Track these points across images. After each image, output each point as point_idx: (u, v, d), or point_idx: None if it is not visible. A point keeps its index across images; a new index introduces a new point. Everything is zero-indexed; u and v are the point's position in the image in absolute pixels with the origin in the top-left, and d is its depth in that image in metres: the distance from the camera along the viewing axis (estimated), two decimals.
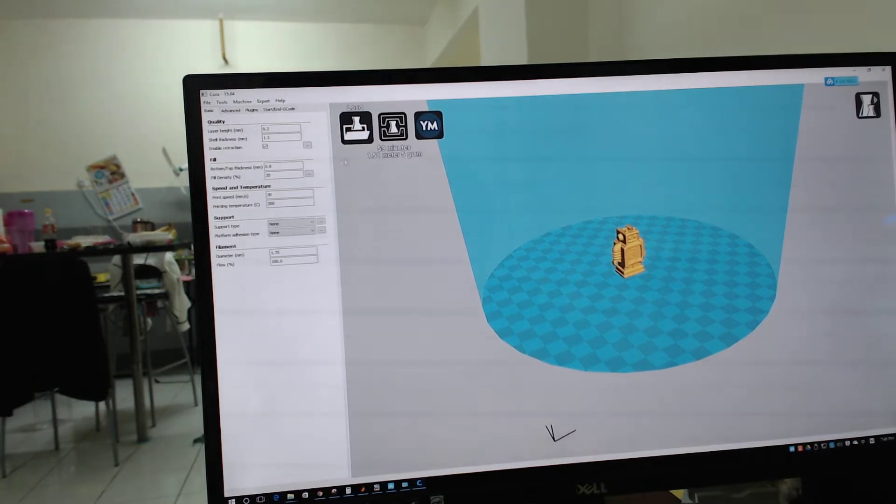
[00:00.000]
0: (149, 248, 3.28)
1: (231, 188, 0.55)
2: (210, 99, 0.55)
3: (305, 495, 0.55)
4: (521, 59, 2.78)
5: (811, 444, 0.61)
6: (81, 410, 3.81)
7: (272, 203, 0.55)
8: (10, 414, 2.92)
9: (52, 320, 2.88)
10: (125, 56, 5.02)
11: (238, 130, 0.55)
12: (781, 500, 0.75)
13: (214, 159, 0.55)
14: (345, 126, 0.56)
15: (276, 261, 0.55)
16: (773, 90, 0.61)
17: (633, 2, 2.38)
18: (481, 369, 0.57)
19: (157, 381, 4.06)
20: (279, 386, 0.55)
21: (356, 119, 0.56)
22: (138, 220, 4.62)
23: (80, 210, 4.92)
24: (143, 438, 3.34)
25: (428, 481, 0.56)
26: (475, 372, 0.57)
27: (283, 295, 0.55)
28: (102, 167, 4.96)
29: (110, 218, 4.95)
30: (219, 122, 0.55)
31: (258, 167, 0.55)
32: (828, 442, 0.61)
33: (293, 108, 0.55)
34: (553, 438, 0.58)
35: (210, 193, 0.54)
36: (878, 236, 0.62)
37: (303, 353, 0.55)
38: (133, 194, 5.00)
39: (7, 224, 3.18)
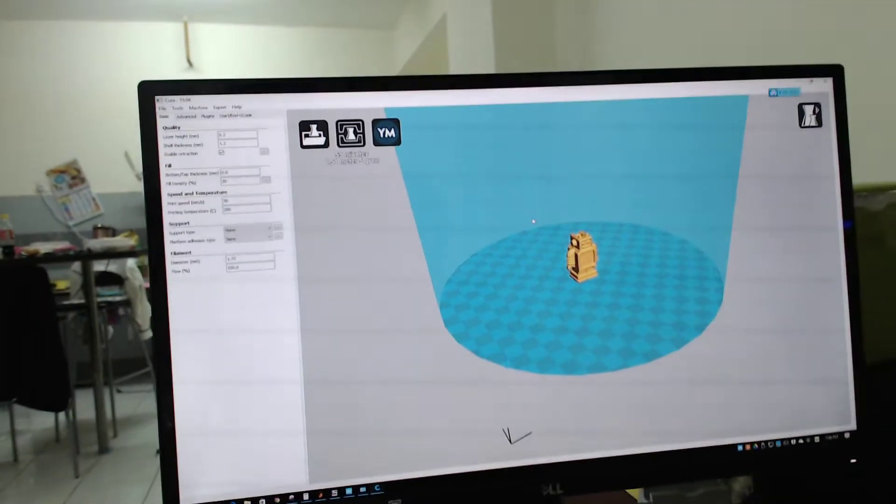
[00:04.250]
0: (109, 254, 3.22)
1: (186, 194, 0.54)
2: (166, 105, 0.54)
3: (262, 502, 0.55)
4: (489, 65, 2.81)
5: (758, 443, 0.62)
6: (40, 421, 3.71)
7: (228, 209, 0.55)
8: None
9: (10, 329, 2.81)
10: (86, 59, 4.93)
11: (194, 136, 0.55)
12: (734, 498, 0.77)
13: (170, 165, 0.54)
14: (303, 133, 0.56)
15: (232, 267, 0.55)
16: (719, 101, 0.63)
17: (598, 11, 2.42)
18: (438, 373, 0.58)
19: (118, 391, 3.98)
20: (235, 392, 0.55)
21: (313, 126, 0.57)
22: (99, 225, 4.52)
23: (39, 216, 4.80)
24: (104, 449, 3.27)
25: (386, 486, 0.57)
26: (432, 375, 0.58)
27: (240, 301, 0.55)
28: (62, 172, 4.86)
29: (70, 224, 4.84)
30: (174, 127, 0.54)
31: (214, 173, 0.55)
32: (774, 441, 0.63)
33: (250, 115, 0.56)
34: (510, 441, 0.59)
35: (165, 199, 0.54)
36: (820, 240, 0.64)
37: (259, 360, 0.55)
38: (94, 199, 4.90)
39: None
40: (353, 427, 0.57)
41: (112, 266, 3.82)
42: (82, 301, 3.36)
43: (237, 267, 0.55)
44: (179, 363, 0.54)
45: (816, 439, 0.64)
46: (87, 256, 3.23)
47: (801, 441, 0.63)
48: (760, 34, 1.56)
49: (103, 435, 3.29)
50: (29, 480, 2.98)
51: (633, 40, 2.20)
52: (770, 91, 0.64)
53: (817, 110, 0.65)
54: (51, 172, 4.80)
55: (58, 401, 2.95)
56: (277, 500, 0.55)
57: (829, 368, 0.64)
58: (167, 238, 0.54)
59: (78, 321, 3.66)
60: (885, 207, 0.74)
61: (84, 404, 3.57)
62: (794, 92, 0.65)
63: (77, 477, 2.94)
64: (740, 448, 0.62)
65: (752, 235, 0.63)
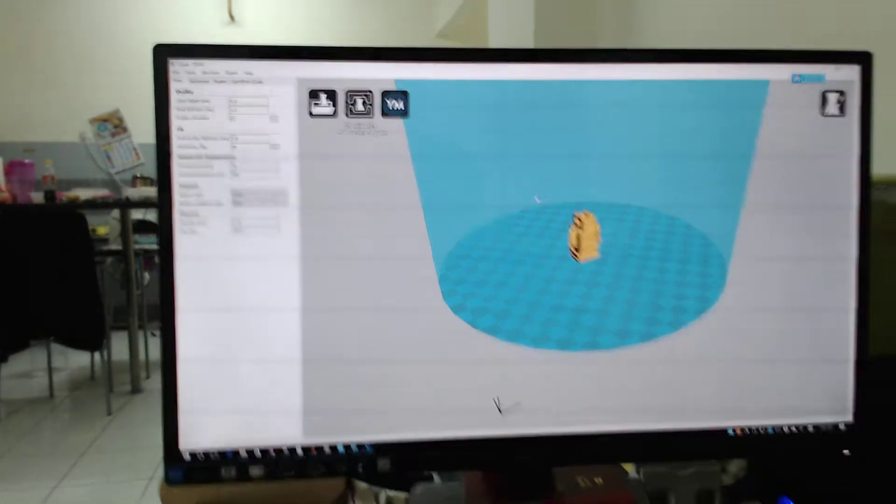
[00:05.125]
0: (147, 203, 3.30)
1: (197, 157, 0.56)
2: (179, 69, 0.56)
3: (258, 453, 0.58)
4: (528, 30, 2.76)
5: (749, 428, 0.63)
6: (77, 360, 3.87)
7: (236, 174, 0.57)
8: (5, 360, 2.98)
9: (50, 270, 2.92)
10: (129, 9, 4.98)
11: (205, 101, 0.56)
12: (727, 479, 0.78)
13: (181, 129, 0.56)
14: (312, 102, 0.57)
15: (237, 230, 0.57)
16: (738, 85, 0.62)
17: None
18: (434, 342, 0.59)
19: (153, 335, 4.12)
20: (236, 348, 0.57)
21: (323, 95, 0.57)
22: (139, 175, 4.62)
23: (81, 162, 4.93)
24: (136, 389, 3.42)
25: (376, 446, 0.59)
26: (427, 344, 0.59)
27: (244, 264, 0.57)
28: (105, 120, 4.94)
29: (112, 171, 4.95)
30: (187, 91, 0.56)
31: (224, 138, 0.56)
32: (766, 427, 0.63)
33: (261, 82, 0.57)
34: (500, 410, 0.60)
35: (175, 162, 0.56)
36: (829, 235, 0.63)
37: (260, 320, 0.58)
38: (135, 149, 4.99)
39: (8, 174, 3.20)
40: (347, 388, 0.59)
41: (150, 215, 3.92)
42: (121, 248, 3.46)
43: (242, 231, 0.57)
44: (184, 326, 0.57)
45: (810, 428, 0.64)
46: (126, 205, 3.32)
47: (794, 429, 0.64)
48: (816, 13, 1.50)
49: (136, 376, 3.44)
50: (64, 415, 3.14)
51: (679, 12, 2.14)
52: (793, 77, 0.63)
53: (842, 99, 0.63)
54: (94, 121, 4.89)
55: (93, 340, 3.08)
56: (272, 451, 0.58)
57: (828, 361, 0.63)
58: (176, 199, 0.56)
59: (116, 266, 3.78)
60: None
61: (119, 346, 3.72)
62: (819, 78, 0.63)
63: (110, 414, 3.08)
64: (731, 432, 0.63)
65: (760, 226, 0.62)
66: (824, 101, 0.63)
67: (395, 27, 5.28)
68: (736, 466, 0.79)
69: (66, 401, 3.33)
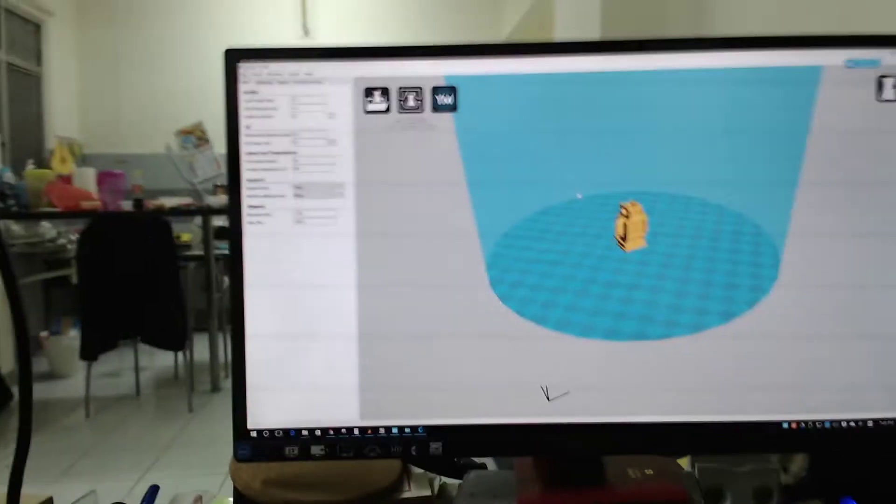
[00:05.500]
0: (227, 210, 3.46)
1: (262, 153, 0.60)
2: (246, 71, 0.60)
3: (318, 432, 0.61)
4: (595, 30, 2.74)
5: (805, 421, 0.62)
6: (162, 360, 4.08)
7: (298, 168, 0.61)
8: (95, 359, 3.18)
9: (137, 274, 3.10)
10: (213, 28, 5.25)
11: (270, 101, 0.60)
12: (788, 478, 0.76)
13: (248, 127, 0.60)
14: (366, 99, 0.61)
15: (299, 220, 0.61)
16: (791, 70, 0.61)
17: None
18: (482, 330, 0.61)
19: None
20: (299, 336, 0.61)
21: (376, 92, 0.61)
22: (220, 184, 4.84)
23: (166, 172, 5.21)
24: (216, 388, 3.58)
25: (428, 429, 0.62)
26: (476, 332, 0.61)
27: (305, 252, 0.61)
28: (190, 133, 5.20)
29: (194, 181, 5.21)
30: (253, 92, 0.60)
31: (286, 135, 0.60)
32: (823, 421, 0.62)
33: (320, 81, 0.61)
34: (547, 398, 0.62)
35: (243, 158, 0.60)
36: (888, 221, 0.61)
37: (320, 307, 0.61)
38: (216, 160, 5.23)
39: (100, 183, 3.43)
40: (401, 373, 0.62)
41: None
42: (202, 253, 3.65)
43: (303, 221, 0.61)
44: (251, 308, 0.61)
45: (870, 423, 0.62)
46: (207, 212, 3.50)
47: (852, 424, 0.62)
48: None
49: (216, 375, 3.60)
50: (148, 412, 3.32)
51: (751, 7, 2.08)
52: (847, 62, 0.61)
53: None
54: (179, 133, 5.16)
55: (177, 341, 3.25)
56: (331, 431, 0.61)
57: (888, 353, 0.62)
58: (244, 193, 0.61)
59: (198, 271, 3.98)
60: None
61: (200, 347, 3.90)
62: (874, 63, 0.61)
63: (191, 412, 3.24)
64: (785, 426, 0.62)
65: (814, 214, 0.61)
66: (880, 85, 0.62)
67: (463, 32, 5.36)
68: (797, 465, 0.77)
69: (151, 398, 3.52)
